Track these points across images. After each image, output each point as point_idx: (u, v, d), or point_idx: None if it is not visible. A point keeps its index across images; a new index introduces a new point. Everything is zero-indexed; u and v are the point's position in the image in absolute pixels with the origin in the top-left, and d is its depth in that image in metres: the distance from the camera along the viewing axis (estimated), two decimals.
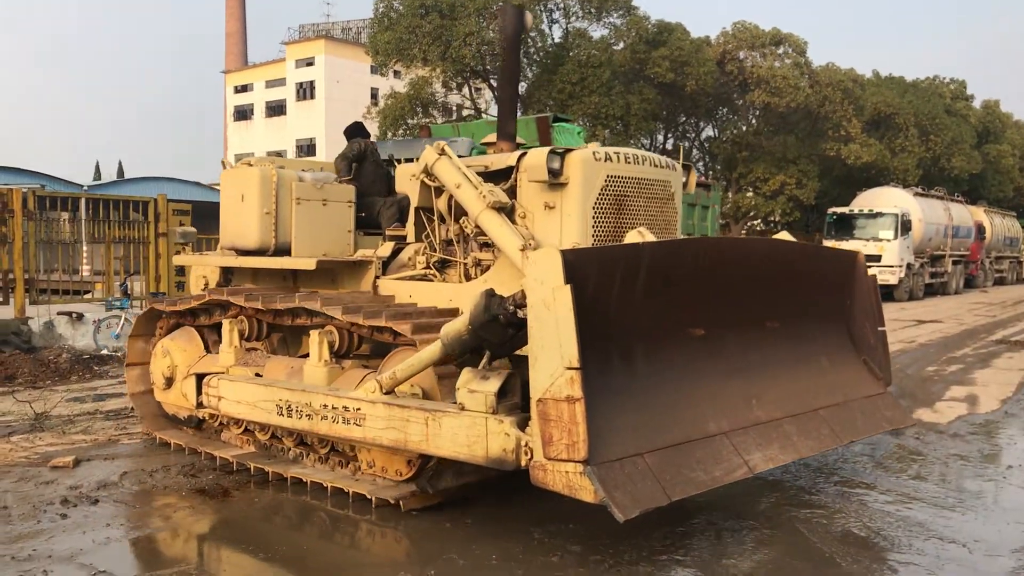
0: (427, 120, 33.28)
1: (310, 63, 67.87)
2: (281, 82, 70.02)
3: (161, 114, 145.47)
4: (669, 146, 40.19)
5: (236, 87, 73.95)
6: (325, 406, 5.61)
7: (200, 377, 6.62)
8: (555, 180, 5.58)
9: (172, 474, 6.48)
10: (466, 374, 4.91)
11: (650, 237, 5.30)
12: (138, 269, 15.15)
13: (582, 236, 5.63)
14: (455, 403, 5.01)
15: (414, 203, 6.83)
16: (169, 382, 7.26)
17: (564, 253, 4.35)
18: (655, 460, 4.59)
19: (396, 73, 36.41)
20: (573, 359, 4.27)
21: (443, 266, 6.72)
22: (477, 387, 4.81)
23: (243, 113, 73.42)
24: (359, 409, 5.40)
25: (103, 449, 7.26)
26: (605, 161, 5.71)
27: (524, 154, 5.90)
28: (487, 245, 6.53)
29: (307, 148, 68.14)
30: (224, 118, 75.43)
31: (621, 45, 35.44)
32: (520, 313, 4.72)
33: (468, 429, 4.83)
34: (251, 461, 6.48)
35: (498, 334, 4.81)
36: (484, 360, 4.97)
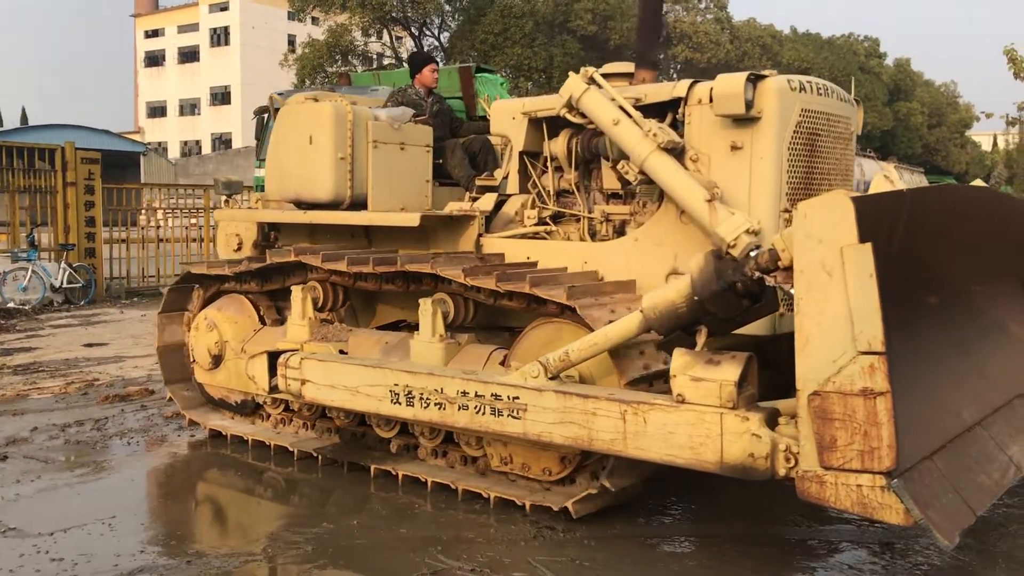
0: (347, 68, 32.04)
1: (224, 8, 64.98)
2: (194, 27, 66.95)
3: (66, 60, 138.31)
4: None
5: (146, 32, 70.46)
6: (464, 393, 4.55)
7: (273, 356, 5.46)
8: (748, 114, 4.56)
9: (87, 429, 6.37)
10: (682, 357, 3.91)
11: (899, 183, 4.35)
12: (45, 220, 14.47)
13: (776, 183, 4.64)
14: (657, 392, 4.03)
15: (518, 146, 5.75)
16: (217, 360, 6.08)
17: (858, 202, 3.37)
18: (944, 464, 3.68)
19: (314, 20, 35.04)
20: (875, 340, 3.32)
21: (556, 222, 5.68)
22: (705, 374, 3.81)
23: (154, 59, 70.03)
24: (517, 398, 4.36)
25: (11, 405, 7.08)
26: (800, 91, 4.72)
27: (696, 82, 4.86)
28: (616, 196, 5.52)
29: (222, 96, 65.46)
30: (134, 65, 71.80)
31: None
32: (769, 280, 3.74)
33: (692, 428, 3.84)
34: (343, 456, 5.50)
35: (730, 307, 3.83)
36: (701, 339, 3.98)
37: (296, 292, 5.66)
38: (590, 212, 5.52)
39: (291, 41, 54.88)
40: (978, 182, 5.30)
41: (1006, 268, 5.34)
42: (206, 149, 63.64)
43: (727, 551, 4.36)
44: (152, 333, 10.85)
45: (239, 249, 6.65)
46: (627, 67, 5.31)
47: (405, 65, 32.51)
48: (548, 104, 5.59)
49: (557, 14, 34.28)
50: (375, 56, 37.64)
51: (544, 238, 5.61)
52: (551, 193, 5.67)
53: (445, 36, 34.36)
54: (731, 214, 4.47)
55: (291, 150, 5.90)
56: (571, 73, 4.96)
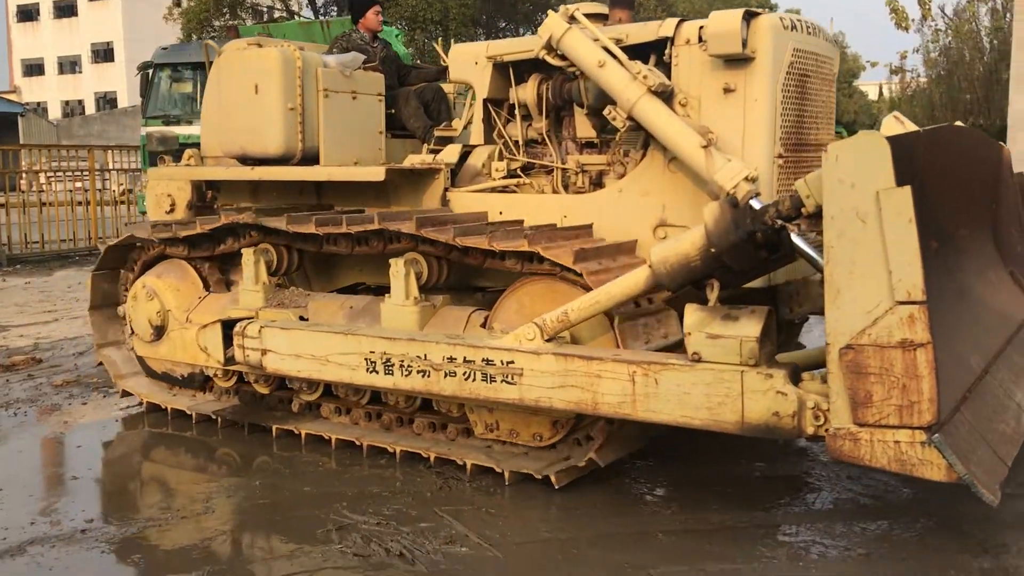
0: (235, 22, 30.92)
1: None
2: None
3: None
4: None
5: None
6: (452, 359, 4.24)
7: (228, 325, 5.04)
8: (742, 54, 4.33)
9: None
10: (695, 313, 3.69)
11: (910, 125, 4.18)
12: None
13: (770, 127, 4.44)
14: (667, 351, 3.80)
15: (482, 93, 5.41)
16: (159, 331, 5.60)
17: (894, 142, 3.17)
18: (971, 415, 3.56)
19: None
20: (915, 289, 3.15)
21: (525, 173, 5.38)
22: (723, 331, 3.60)
23: (27, 14, 66.06)
24: (512, 362, 4.08)
25: None
26: (792, 30, 4.51)
27: (684, 20, 4.60)
28: (591, 145, 5.24)
29: (104, 53, 62.39)
30: (6, 19, 67.73)
31: None
32: (791, 229, 3.53)
33: (709, 387, 3.63)
34: (244, 417, 5.36)
35: (748, 258, 3.61)
36: (714, 293, 3.75)
37: (248, 255, 5.23)
38: (563, 163, 5.23)
39: None
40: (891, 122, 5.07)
41: (981, 212, 5.28)
42: (90, 109, 60.70)
43: (639, 490, 4.30)
44: (39, 302, 10.36)
45: (172, 210, 6.16)
46: (599, 7, 5.01)
47: (296, 17, 31.63)
48: (516, 47, 5.27)
49: None
50: (266, 9, 36.42)
51: (514, 191, 5.31)
52: (519, 143, 5.36)
53: None
54: (728, 161, 4.25)
55: (234, 101, 5.43)
56: (551, 12, 4.64)
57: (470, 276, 5.10)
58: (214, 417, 5.42)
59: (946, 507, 4.12)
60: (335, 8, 33.45)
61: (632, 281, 3.86)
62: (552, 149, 5.26)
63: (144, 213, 15.08)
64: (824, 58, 4.79)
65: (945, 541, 3.82)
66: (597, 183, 5.13)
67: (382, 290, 5.42)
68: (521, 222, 4.82)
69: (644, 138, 4.75)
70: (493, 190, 5.26)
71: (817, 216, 3.49)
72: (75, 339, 8.19)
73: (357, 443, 4.89)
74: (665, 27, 4.60)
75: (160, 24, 37.95)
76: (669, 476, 4.48)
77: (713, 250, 3.59)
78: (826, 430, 3.40)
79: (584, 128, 5.20)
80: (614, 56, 4.49)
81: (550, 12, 4.64)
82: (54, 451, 5.28)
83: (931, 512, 4.10)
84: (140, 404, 5.85)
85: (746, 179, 4.18)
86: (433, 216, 4.66)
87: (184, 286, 5.59)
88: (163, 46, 15.04)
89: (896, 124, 4.32)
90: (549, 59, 4.70)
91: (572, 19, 4.60)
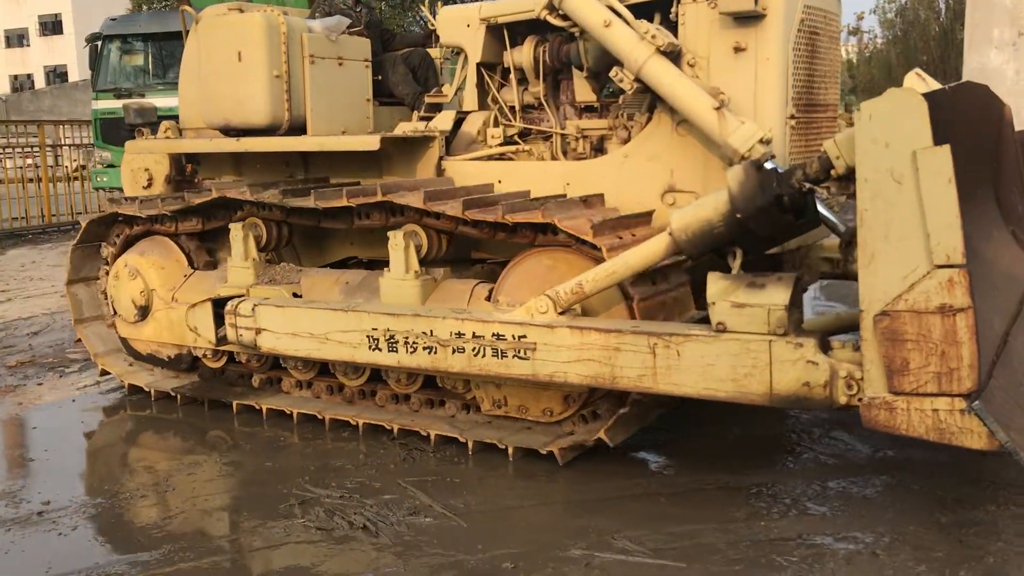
0: None
1: None
2: None
3: None
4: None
5: None
6: (460, 334, 4.08)
7: (218, 304, 4.83)
8: (755, 11, 4.17)
9: None
10: (719, 281, 3.55)
11: (933, 83, 4.06)
12: None
13: (782, 87, 4.29)
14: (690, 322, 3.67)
15: (475, 57, 5.21)
16: (144, 312, 5.38)
17: (931, 100, 3.04)
18: (1004, 381, 3.47)
19: None
20: (954, 252, 3.04)
21: (522, 139, 5.21)
22: (749, 299, 3.47)
23: None
24: (524, 336, 3.93)
25: None
26: None
27: None
28: (590, 109, 5.08)
29: (53, 25, 60.82)
30: None
31: None
32: (820, 192, 3.40)
33: (736, 358, 3.50)
34: (204, 393, 5.29)
35: (774, 223, 3.48)
36: (737, 261, 3.62)
37: (236, 230, 5.01)
38: (562, 128, 5.06)
39: None
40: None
41: (985, 170, 5.19)
42: (39, 83, 59.20)
43: (603, 456, 4.23)
44: None
45: (149, 185, 5.93)
46: None
47: None
48: (511, 8, 5.07)
49: None
50: None
51: (511, 158, 5.14)
52: (515, 109, 5.17)
53: None
54: (741, 123, 4.10)
55: (215, 70, 5.19)
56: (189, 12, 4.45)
57: (469, 248, 4.93)
58: (173, 394, 5.31)
59: (905, 464, 4.10)
60: None
61: (651, 249, 3.71)
62: (550, 114, 5.08)
63: (99, 189, 14.80)
64: (832, 15, 4.65)
65: (903, 496, 3.79)
66: (598, 148, 4.97)
67: (375, 264, 5.29)
68: (527, 193, 4.65)
69: (650, 100, 4.59)
70: (490, 158, 5.08)
71: (847, 178, 3.37)
72: (29, 319, 7.95)
73: (319, 417, 4.82)
74: None
75: None
76: (636, 441, 4.39)
77: (738, 215, 3.45)
78: (859, 399, 3.30)
79: (583, 91, 5.03)
80: (619, 16, 4.31)
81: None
82: (10, 433, 5.14)
83: (889, 469, 4.08)
84: (96, 383, 5.76)
85: (761, 141, 4.04)
86: (439, 189, 4.47)
87: (168, 264, 5.36)
88: (112, 17, 14.59)
89: (919, 82, 4.20)
90: (551, 19, 4.51)
91: None
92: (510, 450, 4.23)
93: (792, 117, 4.35)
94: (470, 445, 4.36)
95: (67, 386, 5.85)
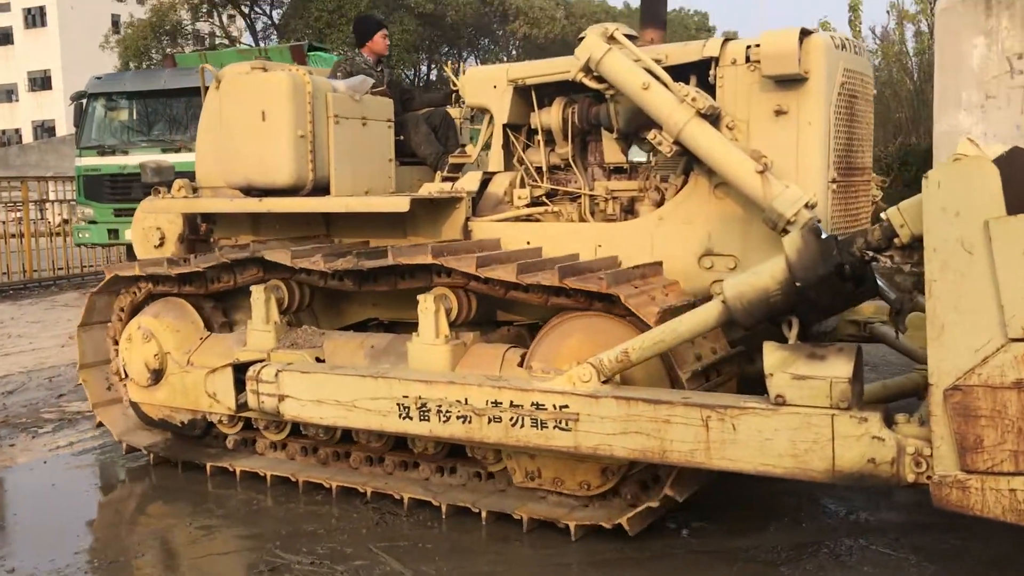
0: (174, 50, 30.51)
1: None
2: (5, 8, 61.90)
3: None
4: (433, 77, 39.40)
5: None
6: (497, 403, 3.93)
7: (240, 368, 4.67)
8: (798, 74, 4.10)
9: None
10: (776, 351, 3.42)
11: (984, 148, 3.97)
12: None
13: (824, 151, 4.21)
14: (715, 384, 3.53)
15: (502, 118, 5.13)
16: (157, 375, 5.19)
17: (1003, 166, 2.95)
18: None
19: None
20: None
21: (549, 201, 5.11)
22: (810, 371, 3.34)
23: None
24: (566, 407, 3.78)
25: None
26: (842, 49, 4.30)
27: (729, 40, 4.36)
28: (620, 171, 4.99)
29: (42, 81, 61.03)
30: None
31: None
32: (883, 260, 3.30)
33: (796, 433, 3.36)
34: (177, 454, 5.20)
35: (834, 292, 3.37)
36: (794, 331, 3.50)
37: (257, 292, 4.86)
38: (591, 189, 4.96)
39: (115, 22, 51.69)
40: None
41: None
42: (27, 138, 59.18)
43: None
44: None
45: (161, 244, 5.78)
46: (626, 28, 4.75)
47: (237, 45, 31.13)
48: (540, 70, 5.00)
49: None
50: (207, 36, 35.96)
51: (538, 219, 5.03)
52: (543, 169, 5.08)
53: (277, 14, 33.22)
54: (786, 187, 4.01)
55: (238, 129, 5.06)
56: (588, 31, 4.37)
57: (494, 309, 4.80)
58: (146, 452, 5.28)
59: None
60: (275, 34, 33.20)
61: (702, 317, 3.59)
62: (579, 175, 4.99)
63: (80, 245, 14.62)
64: (867, 77, 4.60)
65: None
66: (628, 210, 4.87)
67: (396, 326, 5.15)
68: (577, 256, 4.53)
69: (685, 163, 4.50)
70: (517, 219, 4.97)
71: (911, 247, 3.27)
72: (4, 378, 7.79)
73: (293, 479, 4.79)
74: (710, 47, 4.36)
75: (98, 52, 37.25)
76: None
77: (798, 284, 3.34)
78: (929, 477, 3.16)
79: (612, 153, 4.94)
80: (657, 78, 4.24)
81: (588, 32, 4.37)
82: None
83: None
84: (70, 444, 5.73)
85: (806, 206, 3.94)
86: (490, 254, 4.35)
87: (184, 326, 5.19)
88: (97, 75, 14.62)
89: (973, 148, 4.11)
90: (586, 81, 4.42)
91: (611, 39, 4.33)
92: (572, 527, 4.05)
93: (833, 181, 4.26)
94: (444, 509, 4.33)
95: (40, 447, 5.73)
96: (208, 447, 5.26)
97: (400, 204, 4.66)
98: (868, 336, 4.93)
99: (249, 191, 5.16)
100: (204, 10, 32.76)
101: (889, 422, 3.30)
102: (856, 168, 4.53)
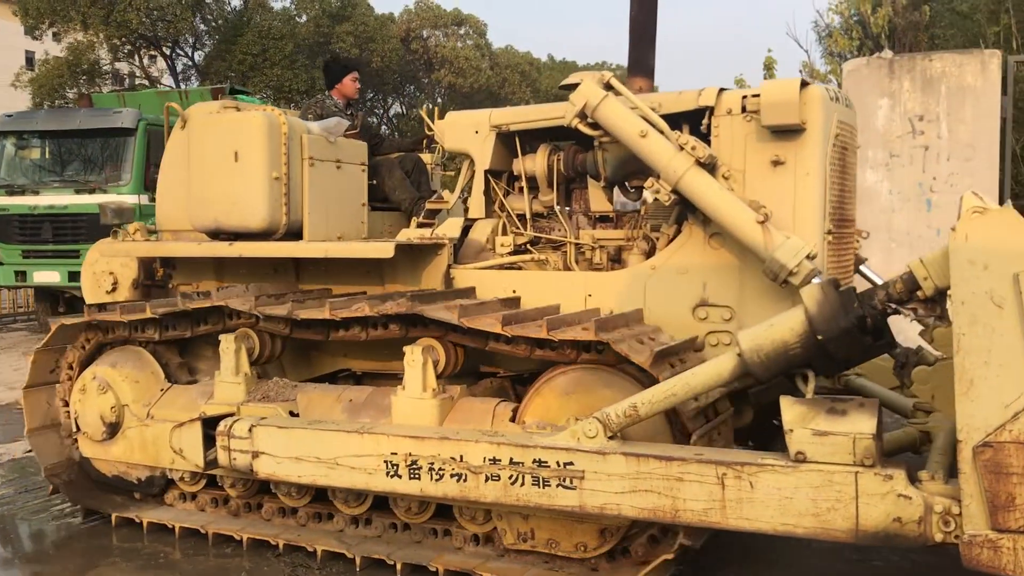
0: (92, 90, 29.84)
1: None
2: None
3: None
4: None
5: None
6: (495, 460, 3.74)
7: (210, 423, 4.39)
8: (799, 124, 4.06)
9: None
10: (794, 407, 3.32)
11: (990, 201, 3.96)
12: None
13: (821, 202, 4.17)
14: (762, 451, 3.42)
15: (483, 164, 5.00)
16: (113, 429, 4.87)
17: None
18: None
19: (56, 35, 32.51)
20: None
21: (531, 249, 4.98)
22: (832, 427, 3.23)
23: None
24: (571, 464, 3.61)
25: None
26: (835, 101, 4.28)
27: (724, 90, 4.31)
28: (605, 220, 4.89)
29: None
30: None
31: (304, 18, 34.11)
32: (905, 314, 3.23)
33: (817, 491, 3.25)
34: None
35: (854, 346, 3.29)
36: (811, 385, 3.40)
37: (227, 341, 4.60)
38: (576, 238, 4.85)
39: (29, 59, 50.43)
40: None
41: None
42: None
43: None
44: None
45: (114, 290, 5.48)
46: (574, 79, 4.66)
47: (158, 86, 30.55)
48: (524, 116, 4.90)
49: (318, 36, 33.38)
50: (126, 76, 35.27)
51: (518, 268, 4.89)
52: (526, 217, 4.95)
53: (200, 55, 32.85)
54: (787, 237, 3.94)
55: (207, 170, 4.83)
56: (584, 77, 4.27)
57: (476, 361, 4.63)
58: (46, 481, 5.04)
59: None
60: (196, 76, 32.76)
61: (716, 370, 3.47)
62: (563, 223, 4.87)
63: None
64: (854, 130, 4.60)
65: None
66: (616, 259, 4.77)
67: (369, 377, 4.95)
68: (558, 307, 4.39)
69: (678, 212, 4.42)
70: (501, 267, 4.82)
71: (934, 300, 3.22)
72: None
73: (202, 531, 4.65)
74: (705, 96, 4.31)
75: (10, 91, 36.17)
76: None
77: (820, 337, 3.25)
78: (957, 537, 3.07)
79: (598, 201, 4.85)
80: (654, 126, 4.16)
81: (584, 77, 4.27)
82: None
83: None
84: None
85: (807, 257, 3.88)
86: (471, 304, 4.17)
87: (144, 376, 4.89)
88: (7, 114, 14.13)
89: (979, 201, 4.11)
90: (581, 127, 4.32)
91: (609, 87, 4.24)
92: (441, 571, 4.08)
93: (829, 232, 4.22)
94: (358, 561, 4.26)
95: None
96: (113, 496, 5.04)
97: (384, 250, 4.47)
98: (843, 388, 4.88)
99: (217, 234, 4.92)
100: (124, 50, 32.03)
101: (912, 479, 3.21)
102: (847, 220, 4.50)
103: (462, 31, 39.76)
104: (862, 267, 5.07)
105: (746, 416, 4.16)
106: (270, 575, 4.26)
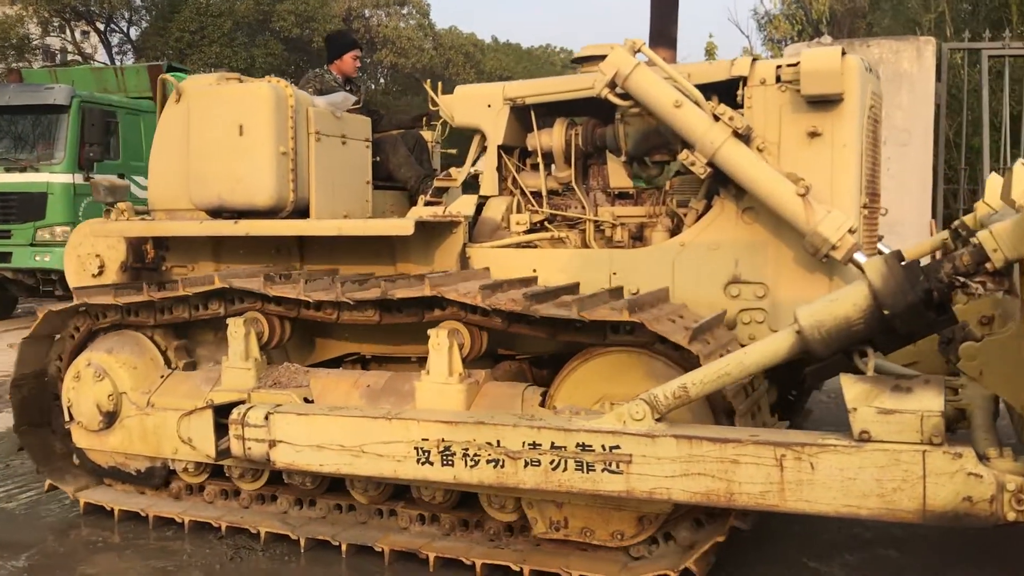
0: (21, 65, 28.91)
1: None
2: None
3: None
4: None
5: None
6: (535, 445, 3.57)
7: (221, 411, 4.16)
8: (840, 95, 3.94)
9: None
10: (857, 385, 3.20)
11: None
12: None
13: (858, 174, 4.06)
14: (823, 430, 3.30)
15: (496, 140, 4.81)
16: (111, 418, 4.61)
17: None
18: None
19: None
20: None
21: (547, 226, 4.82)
22: (898, 404, 3.12)
23: None
24: (617, 447, 3.46)
25: None
26: (869, 72, 4.18)
27: (757, 59, 4.18)
28: (625, 196, 4.75)
29: None
30: None
31: None
32: (973, 287, 3.12)
33: (882, 471, 3.13)
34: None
35: (919, 320, 3.18)
36: (870, 361, 3.29)
37: (236, 325, 4.37)
38: (595, 215, 4.69)
39: None
40: None
41: None
42: None
43: None
44: None
45: (100, 273, 5.20)
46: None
47: (91, 63, 29.64)
48: (542, 89, 4.73)
49: (258, 14, 32.48)
50: (58, 52, 34.28)
51: (535, 246, 4.72)
52: (541, 194, 4.78)
53: (136, 31, 32.07)
54: (828, 211, 3.83)
55: (208, 145, 4.59)
56: (616, 46, 4.10)
57: (495, 344, 4.45)
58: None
59: None
60: (131, 52, 31.90)
61: (772, 348, 3.34)
62: (582, 200, 4.71)
63: None
64: (881, 103, 4.50)
65: None
66: (638, 236, 4.63)
67: (377, 361, 4.76)
68: (577, 285, 4.23)
69: (708, 186, 4.29)
70: (519, 245, 4.65)
71: (1003, 273, 3.11)
72: None
73: (142, 514, 4.57)
74: (738, 66, 4.17)
75: None
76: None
77: (886, 312, 3.13)
78: None
79: (618, 177, 4.70)
80: (688, 96, 4.01)
81: (615, 46, 4.10)
82: None
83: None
84: None
85: (850, 231, 3.78)
86: (491, 282, 3.99)
87: (142, 363, 4.63)
88: None
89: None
90: (610, 98, 4.15)
91: (639, 52, 4.08)
92: (387, 552, 4.05)
93: (865, 206, 4.12)
94: (302, 542, 4.20)
95: None
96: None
97: (403, 227, 4.27)
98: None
99: (219, 212, 4.67)
100: (55, 24, 31.01)
101: (980, 456, 3.12)
102: (876, 194, 4.41)
103: (404, 11, 39.27)
104: (879, 244, 5.00)
105: (772, 392, 4.05)
106: (211, 558, 4.19)
